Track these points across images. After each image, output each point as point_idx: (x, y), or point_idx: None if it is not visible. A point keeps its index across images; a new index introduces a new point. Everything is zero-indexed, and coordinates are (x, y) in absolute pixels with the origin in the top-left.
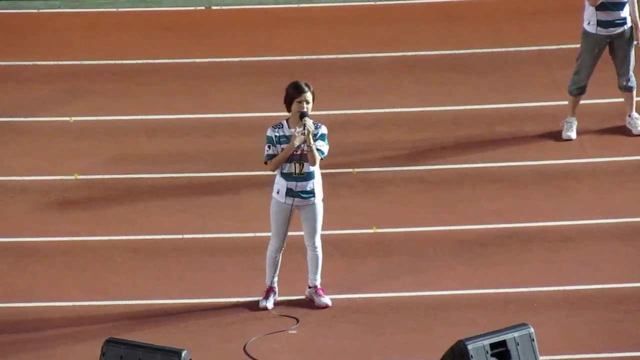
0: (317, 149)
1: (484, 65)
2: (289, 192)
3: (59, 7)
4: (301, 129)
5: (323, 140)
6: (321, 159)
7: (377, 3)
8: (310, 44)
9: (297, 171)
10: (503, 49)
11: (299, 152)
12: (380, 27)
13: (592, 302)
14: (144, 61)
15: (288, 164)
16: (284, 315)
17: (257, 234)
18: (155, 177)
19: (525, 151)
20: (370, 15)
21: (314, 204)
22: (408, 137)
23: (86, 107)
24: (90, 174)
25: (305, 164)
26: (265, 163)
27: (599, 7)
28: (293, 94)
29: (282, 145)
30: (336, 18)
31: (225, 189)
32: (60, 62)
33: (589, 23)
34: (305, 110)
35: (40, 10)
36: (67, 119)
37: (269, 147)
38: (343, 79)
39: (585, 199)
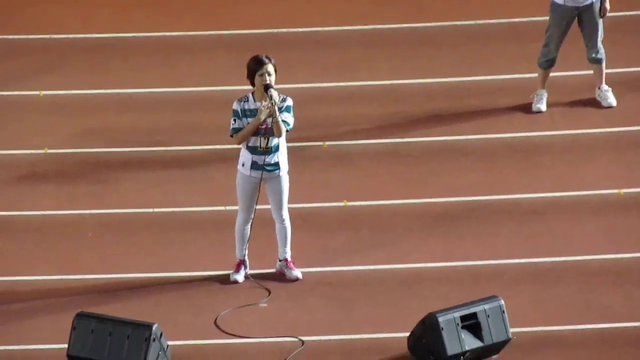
0: (283, 121)
1: (455, 39)
2: (254, 165)
3: None
4: (267, 102)
5: (289, 112)
6: (287, 130)
7: None
8: (281, 18)
9: (262, 145)
10: (473, 22)
11: (264, 127)
12: (351, 2)
13: (562, 275)
14: (114, 35)
15: (253, 138)
16: (258, 285)
17: (228, 208)
18: (126, 152)
19: (495, 124)
20: None
21: (279, 176)
22: (379, 110)
23: (56, 82)
24: (60, 149)
25: (270, 138)
26: (231, 136)
27: None
28: (254, 67)
29: (249, 119)
30: None
31: (195, 163)
32: (29, 36)
33: None
34: (268, 82)
35: None
36: (37, 93)
37: (234, 120)
38: (314, 53)
39: (555, 172)
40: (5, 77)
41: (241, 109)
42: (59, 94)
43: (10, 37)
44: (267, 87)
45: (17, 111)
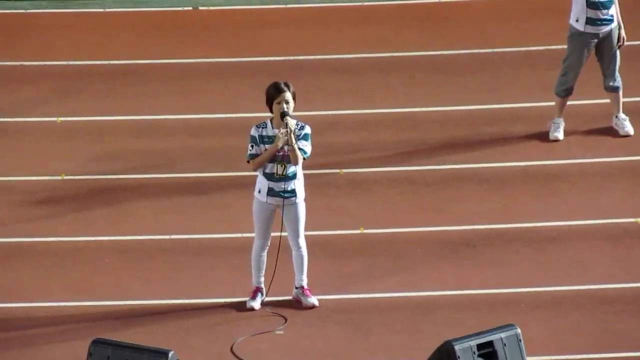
0: (300, 149)
1: (471, 66)
2: (270, 192)
3: (46, 7)
4: (284, 130)
5: (306, 140)
6: (304, 158)
7: (364, 4)
8: (298, 45)
9: (279, 172)
10: (489, 50)
11: (281, 154)
12: (367, 28)
13: (579, 302)
14: (131, 61)
15: (270, 165)
16: (273, 314)
17: (244, 235)
18: (142, 178)
19: (512, 152)
20: (357, 16)
21: (295, 204)
22: (395, 137)
23: (73, 108)
24: (77, 174)
25: (287, 165)
26: (248, 162)
27: (588, 5)
28: (272, 94)
29: (266, 145)
30: (323, 19)
31: (212, 189)
32: (47, 63)
33: (577, 20)
34: (285, 108)
35: (27, 11)
36: (55, 119)
37: (252, 146)
38: (330, 80)
39: (572, 199)
40: (23, 103)
41: (259, 135)
42: (76, 120)
43: (27, 63)
44: (283, 115)
45: (35, 137)
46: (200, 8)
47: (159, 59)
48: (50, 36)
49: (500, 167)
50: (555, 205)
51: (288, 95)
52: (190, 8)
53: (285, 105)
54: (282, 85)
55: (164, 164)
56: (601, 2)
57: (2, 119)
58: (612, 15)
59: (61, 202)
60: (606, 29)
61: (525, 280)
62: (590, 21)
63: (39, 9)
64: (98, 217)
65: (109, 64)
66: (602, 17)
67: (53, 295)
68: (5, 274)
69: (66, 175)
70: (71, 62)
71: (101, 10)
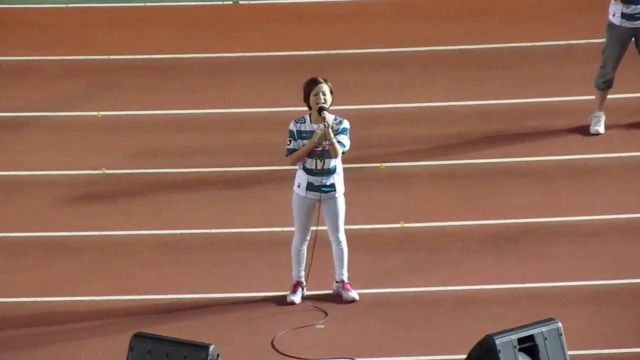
0: (339, 142)
1: (512, 60)
2: (310, 186)
3: (86, 2)
4: (322, 125)
5: (345, 134)
6: (342, 152)
7: None
8: (337, 39)
9: (318, 167)
10: (530, 44)
11: (320, 149)
12: (407, 22)
13: (620, 297)
14: (171, 56)
15: (309, 160)
16: (314, 308)
17: (285, 229)
18: (183, 172)
19: (552, 146)
20: (397, 10)
21: (335, 198)
22: (436, 131)
23: (114, 102)
24: (118, 169)
25: (326, 160)
26: (287, 157)
27: (625, 0)
28: (309, 87)
29: (304, 141)
30: (363, 13)
31: (253, 183)
32: (87, 57)
33: (613, 15)
34: (323, 102)
35: (68, 5)
36: (95, 114)
37: (290, 141)
38: (370, 74)
39: (613, 194)
40: (63, 97)
41: (297, 130)
42: (116, 115)
43: (68, 57)
44: (321, 110)
45: (75, 131)
46: (241, 2)
47: (199, 54)
48: (90, 31)
49: (541, 161)
50: (596, 199)
51: (325, 87)
52: (231, 2)
53: (322, 97)
54: (319, 78)
55: (204, 159)
56: None
57: (43, 114)
58: None
59: (102, 197)
60: None
61: (566, 274)
62: (626, 16)
63: (79, 3)
64: (138, 211)
65: (149, 59)
66: (638, 12)
67: (93, 290)
68: (46, 268)
69: (107, 169)
70: (111, 57)
71: (141, 4)
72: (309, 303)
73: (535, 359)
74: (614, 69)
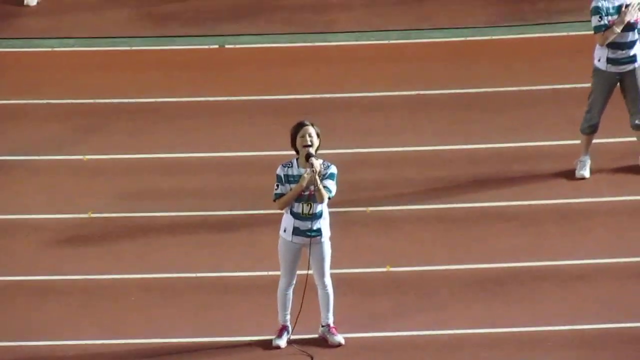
0: (325, 187)
1: (499, 104)
2: (296, 231)
3: (73, 46)
4: (309, 170)
5: (332, 179)
6: (329, 197)
7: (391, 42)
8: (325, 83)
9: (305, 211)
10: (517, 88)
11: (307, 193)
12: (394, 66)
13: (607, 341)
14: (159, 99)
15: (297, 204)
16: (300, 352)
17: (270, 273)
18: (170, 215)
19: (540, 190)
20: (384, 54)
21: (321, 243)
22: (423, 175)
23: (100, 146)
24: (105, 212)
25: (313, 204)
26: (274, 201)
27: (610, 45)
28: (295, 130)
29: (291, 185)
30: (350, 57)
31: (239, 227)
32: (74, 101)
33: (599, 60)
34: (309, 144)
35: (55, 49)
36: (81, 157)
37: (277, 185)
38: (358, 118)
39: (600, 237)
40: (50, 141)
41: (284, 175)
42: (102, 158)
43: (55, 101)
44: (308, 156)
45: (62, 175)
46: (227, 46)
47: (186, 97)
48: (78, 74)
49: (528, 205)
50: (584, 243)
51: (311, 129)
52: (217, 46)
53: (308, 138)
54: (305, 121)
55: (192, 202)
56: (622, 43)
57: (29, 157)
58: (634, 55)
59: (89, 240)
60: (629, 67)
61: (554, 318)
62: (611, 61)
63: (67, 47)
64: (125, 254)
65: (136, 102)
66: (623, 56)
67: (81, 333)
68: (32, 312)
69: (93, 213)
70: (98, 100)
71: (128, 48)
72: (295, 347)
73: None
74: (600, 113)
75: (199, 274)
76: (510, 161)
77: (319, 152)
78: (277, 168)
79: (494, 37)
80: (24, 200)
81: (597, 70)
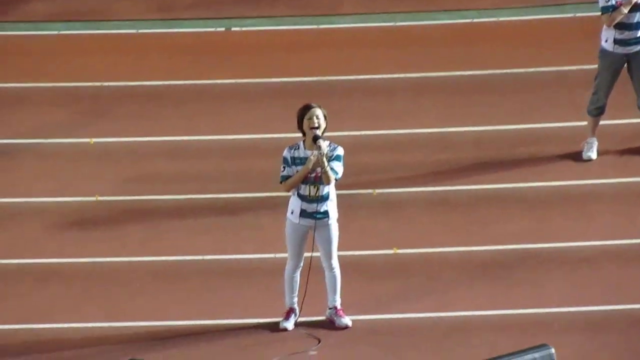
0: (331, 169)
1: (504, 87)
2: (303, 213)
3: (79, 29)
4: (316, 152)
5: (339, 160)
6: (335, 179)
7: (397, 24)
8: (330, 66)
9: (312, 193)
10: (522, 70)
11: (313, 175)
12: (399, 49)
13: (613, 323)
14: (164, 83)
15: (303, 186)
16: (307, 334)
17: (278, 255)
18: (176, 199)
19: (545, 172)
20: (389, 37)
21: (328, 225)
22: (428, 158)
23: (106, 129)
24: (111, 196)
25: (320, 186)
26: (280, 183)
27: (617, 26)
28: (302, 112)
29: (298, 167)
30: (355, 40)
31: (245, 210)
32: (80, 84)
33: (606, 41)
34: (316, 126)
35: (60, 32)
36: (88, 140)
37: (284, 168)
38: (363, 101)
39: (606, 220)
40: (56, 125)
41: (291, 157)
42: (109, 142)
43: (60, 84)
44: (315, 138)
45: (68, 159)
46: (233, 29)
47: (192, 80)
48: (83, 58)
49: (534, 187)
50: (589, 225)
51: (318, 111)
52: (223, 29)
53: (316, 120)
54: (312, 103)
55: (197, 185)
56: (630, 23)
57: (35, 141)
58: None
59: (94, 224)
60: (636, 48)
61: (559, 301)
62: (618, 42)
63: (72, 30)
64: (131, 238)
65: (142, 86)
66: (630, 37)
67: (85, 317)
68: (37, 295)
69: (100, 196)
70: (104, 84)
71: (134, 31)
72: (302, 330)
73: None
74: (606, 95)
75: (205, 257)
76: (516, 144)
77: (325, 134)
78: (283, 151)
79: (500, 19)
80: (30, 184)
81: (603, 52)
